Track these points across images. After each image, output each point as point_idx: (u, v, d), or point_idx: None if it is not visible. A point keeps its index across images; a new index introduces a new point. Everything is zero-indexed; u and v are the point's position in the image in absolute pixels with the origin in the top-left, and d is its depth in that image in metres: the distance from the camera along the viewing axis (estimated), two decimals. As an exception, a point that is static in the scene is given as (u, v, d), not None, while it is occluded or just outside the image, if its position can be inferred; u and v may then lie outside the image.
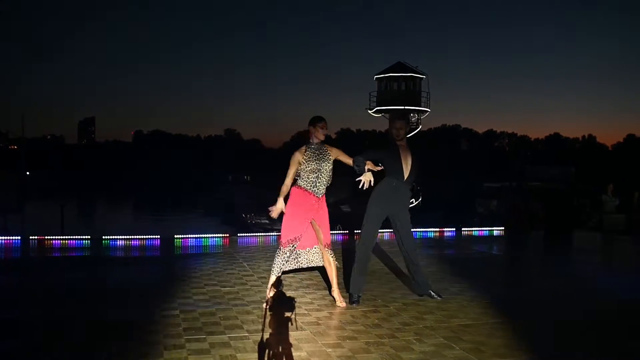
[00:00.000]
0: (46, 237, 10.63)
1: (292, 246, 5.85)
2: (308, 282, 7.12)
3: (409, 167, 5.97)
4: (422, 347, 4.63)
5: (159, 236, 11.15)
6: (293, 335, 4.79)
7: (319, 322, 5.36)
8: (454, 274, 7.93)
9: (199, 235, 11.26)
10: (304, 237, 5.92)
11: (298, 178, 5.84)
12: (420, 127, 39.30)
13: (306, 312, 5.67)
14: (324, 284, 6.87)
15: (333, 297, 6.00)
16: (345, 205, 21.18)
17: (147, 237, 11.07)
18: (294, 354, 4.36)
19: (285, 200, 5.81)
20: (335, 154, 5.92)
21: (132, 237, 10.97)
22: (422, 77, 39.25)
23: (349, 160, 5.88)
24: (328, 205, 6.01)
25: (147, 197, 62.71)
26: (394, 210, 6.02)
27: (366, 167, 5.77)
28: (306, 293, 6.50)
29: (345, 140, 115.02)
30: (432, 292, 6.33)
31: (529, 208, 16.68)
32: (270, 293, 5.84)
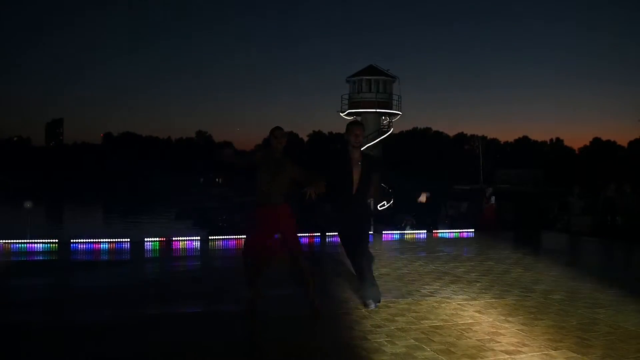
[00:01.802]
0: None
1: (252, 259, 5.64)
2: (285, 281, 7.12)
3: (360, 179, 5.72)
4: (394, 349, 4.66)
5: (128, 239, 11.03)
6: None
7: (290, 323, 5.37)
8: (424, 275, 8.00)
9: (176, 238, 11.18)
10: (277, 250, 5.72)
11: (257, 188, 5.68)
12: (392, 129, 39.59)
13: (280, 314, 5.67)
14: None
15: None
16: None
17: (115, 240, 10.95)
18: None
19: (231, 158, 5.78)
20: (291, 172, 5.68)
21: (100, 240, 10.84)
22: (394, 80, 39.57)
23: (303, 179, 5.63)
24: None
25: (117, 199, 61.89)
26: (353, 225, 5.78)
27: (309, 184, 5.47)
28: (285, 296, 6.49)
29: (316, 143, 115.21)
30: (371, 302, 6.01)
31: (498, 210, 16.91)
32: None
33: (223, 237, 11.81)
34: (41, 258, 9.62)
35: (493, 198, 16.58)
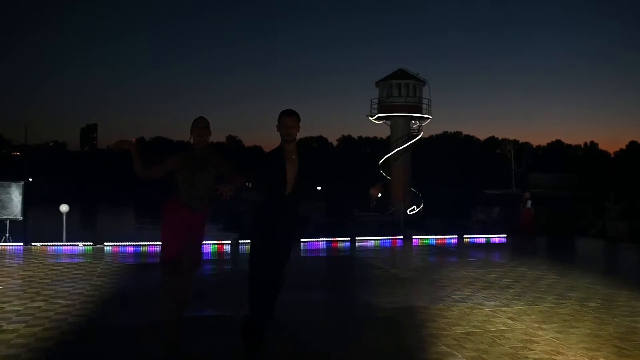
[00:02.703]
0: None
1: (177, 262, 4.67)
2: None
3: (294, 179, 4.68)
4: (424, 355, 4.61)
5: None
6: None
7: (319, 329, 5.35)
8: (455, 281, 7.91)
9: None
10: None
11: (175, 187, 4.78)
12: (422, 134, 39.34)
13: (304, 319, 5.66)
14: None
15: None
16: None
17: (146, 243, 11.12)
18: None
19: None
20: (218, 166, 4.81)
21: (130, 243, 11.02)
22: (424, 84, 39.33)
23: (233, 179, 4.69)
24: None
25: (148, 203, 62.65)
26: (277, 233, 4.63)
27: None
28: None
29: (346, 147, 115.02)
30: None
31: (534, 215, 16.65)
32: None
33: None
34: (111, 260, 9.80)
35: (529, 202, 16.39)
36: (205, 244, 11.21)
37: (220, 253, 10.91)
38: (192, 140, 4.84)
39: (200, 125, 4.82)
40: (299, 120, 4.82)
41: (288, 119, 4.75)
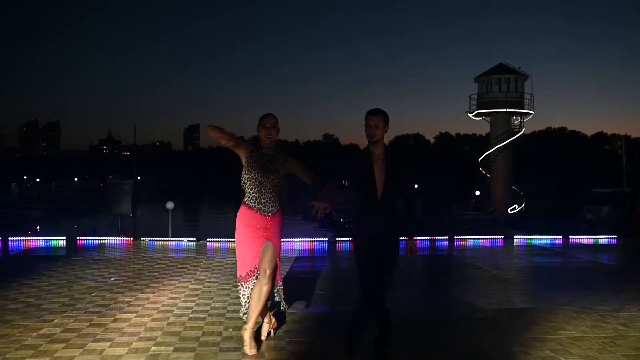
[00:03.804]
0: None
1: (255, 277, 4.57)
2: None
3: (384, 182, 4.42)
4: (528, 359, 4.44)
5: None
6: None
7: (419, 329, 5.28)
8: (560, 283, 7.56)
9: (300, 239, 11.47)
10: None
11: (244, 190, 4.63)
12: (524, 130, 37.95)
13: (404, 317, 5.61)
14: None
15: (242, 335, 4.63)
16: None
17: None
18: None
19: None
20: (289, 166, 4.63)
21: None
22: (526, 78, 37.92)
23: (307, 178, 4.61)
24: None
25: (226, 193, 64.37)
26: (377, 242, 4.43)
27: (320, 194, 4.27)
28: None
29: (444, 144, 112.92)
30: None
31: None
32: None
33: (349, 238, 11.88)
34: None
35: None
36: (303, 242, 11.39)
37: (316, 250, 11.02)
38: (260, 139, 4.60)
39: (268, 125, 4.59)
40: (386, 119, 4.49)
41: (371, 118, 4.46)
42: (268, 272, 4.50)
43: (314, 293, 6.77)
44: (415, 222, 4.60)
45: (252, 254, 4.55)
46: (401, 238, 4.56)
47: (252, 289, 4.56)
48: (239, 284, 4.65)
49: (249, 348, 4.48)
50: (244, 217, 4.58)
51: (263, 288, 4.49)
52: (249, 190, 4.55)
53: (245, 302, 4.65)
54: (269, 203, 4.54)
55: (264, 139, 4.58)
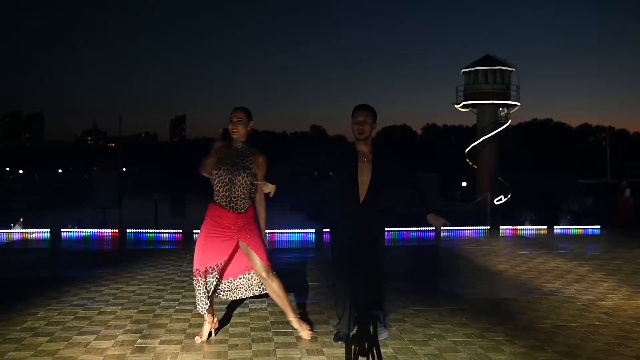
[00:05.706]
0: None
1: (213, 277, 4.46)
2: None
3: (368, 183, 4.26)
4: (512, 349, 4.48)
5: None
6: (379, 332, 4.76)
7: (405, 319, 5.31)
8: (545, 273, 7.63)
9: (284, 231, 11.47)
10: (227, 265, 4.58)
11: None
12: (510, 121, 38.15)
13: (391, 308, 5.63)
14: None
15: (293, 326, 4.73)
16: None
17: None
18: (381, 350, 4.34)
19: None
20: (260, 168, 4.48)
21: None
22: (512, 70, 38.10)
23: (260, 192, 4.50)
24: None
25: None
26: (357, 244, 4.34)
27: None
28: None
29: (431, 135, 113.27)
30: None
31: (632, 205, 15.86)
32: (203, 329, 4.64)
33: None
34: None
35: (628, 191, 15.63)
36: (290, 233, 11.39)
37: (304, 242, 11.04)
38: (230, 133, 4.47)
39: (234, 120, 4.43)
40: (374, 115, 4.31)
41: (359, 112, 4.29)
42: (264, 274, 4.47)
43: (301, 284, 6.78)
44: (433, 205, 4.51)
45: (215, 251, 4.44)
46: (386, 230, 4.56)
47: (209, 285, 4.43)
48: (195, 278, 4.44)
49: (305, 332, 4.62)
50: (215, 214, 4.43)
51: (274, 286, 4.50)
52: (217, 189, 4.41)
53: (201, 297, 4.42)
54: (240, 201, 4.40)
55: (231, 132, 4.44)
